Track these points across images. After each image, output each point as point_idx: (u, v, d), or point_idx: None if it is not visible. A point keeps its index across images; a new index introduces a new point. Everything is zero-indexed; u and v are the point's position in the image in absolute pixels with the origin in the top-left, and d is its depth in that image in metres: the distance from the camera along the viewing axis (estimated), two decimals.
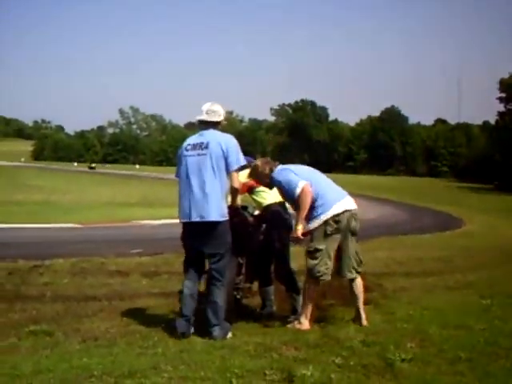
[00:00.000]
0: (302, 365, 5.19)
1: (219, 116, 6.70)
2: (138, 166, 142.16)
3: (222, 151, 6.40)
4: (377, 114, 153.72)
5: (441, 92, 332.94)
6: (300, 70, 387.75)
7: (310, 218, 6.82)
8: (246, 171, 7.23)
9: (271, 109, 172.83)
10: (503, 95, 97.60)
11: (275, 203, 7.45)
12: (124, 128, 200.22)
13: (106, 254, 12.79)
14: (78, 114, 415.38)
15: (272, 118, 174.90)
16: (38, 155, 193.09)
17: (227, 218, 6.52)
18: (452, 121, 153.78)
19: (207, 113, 6.66)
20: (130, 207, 32.30)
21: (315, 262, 6.79)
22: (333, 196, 6.93)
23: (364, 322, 6.98)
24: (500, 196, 69.78)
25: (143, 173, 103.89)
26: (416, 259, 14.47)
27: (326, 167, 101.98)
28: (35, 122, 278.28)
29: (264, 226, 7.51)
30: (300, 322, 6.85)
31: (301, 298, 7.17)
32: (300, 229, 6.77)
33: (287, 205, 7.45)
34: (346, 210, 6.89)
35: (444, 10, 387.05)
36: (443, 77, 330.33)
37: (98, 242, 16.55)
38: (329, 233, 6.78)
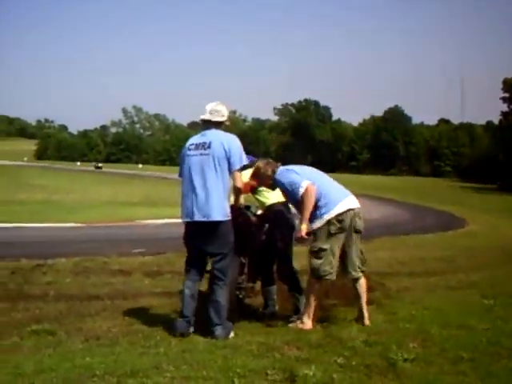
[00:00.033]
0: (304, 365, 5.18)
1: (222, 116, 6.70)
2: (140, 166, 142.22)
3: (225, 151, 6.40)
4: (380, 113, 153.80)
5: (444, 92, 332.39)
6: (300, 69, 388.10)
7: (313, 217, 6.81)
8: (250, 171, 7.24)
9: (274, 108, 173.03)
10: (507, 95, 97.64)
11: (278, 203, 7.46)
12: (127, 127, 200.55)
13: (108, 254, 12.81)
14: (81, 114, 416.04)
15: (275, 118, 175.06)
16: (41, 154, 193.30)
17: (230, 218, 6.52)
18: (455, 121, 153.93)
19: (211, 112, 6.66)
20: (133, 206, 32.34)
21: (320, 261, 6.79)
22: (336, 195, 6.93)
23: (367, 321, 6.97)
24: (503, 196, 69.70)
25: (146, 172, 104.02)
26: (418, 259, 14.46)
27: (329, 167, 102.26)
28: (38, 122, 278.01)
29: (267, 225, 7.51)
30: (302, 322, 6.85)
31: (303, 298, 7.17)
32: (304, 228, 6.75)
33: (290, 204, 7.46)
34: (350, 209, 6.88)
35: (444, 10, 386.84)
36: (446, 77, 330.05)
37: (101, 241, 16.56)
38: (332, 232, 6.77)
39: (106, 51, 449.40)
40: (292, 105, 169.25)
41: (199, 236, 6.49)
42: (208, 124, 6.67)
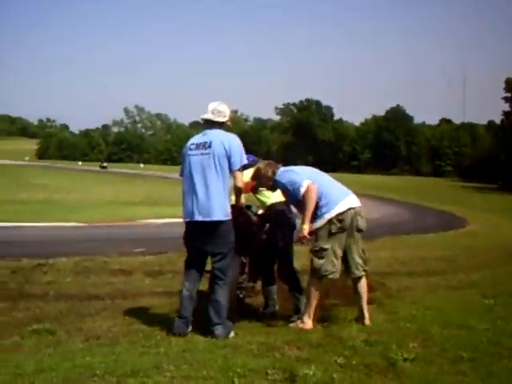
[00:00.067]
0: (304, 364, 5.18)
1: (224, 117, 6.70)
2: (142, 165, 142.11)
3: (225, 150, 6.40)
4: (382, 113, 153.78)
5: (445, 92, 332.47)
6: (301, 69, 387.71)
7: (314, 217, 6.80)
8: (251, 170, 7.24)
9: (276, 108, 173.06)
10: (509, 95, 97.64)
11: (279, 202, 7.46)
12: (129, 127, 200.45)
13: (109, 253, 12.82)
14: (83, 113, 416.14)
15: (277, 118, 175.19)
16: (42, 154, 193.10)
17: (230, 218, 6.52)
18: (457, 120, 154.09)
19: (212, 112, 6.66)
20: (135, 206, 32.33)
21: (321, 261, 6.79)
22: (336, 195, 6.92)
23: (367, 321, 6.97)
24: (504, 196, 69.69)
25: (147, 172, 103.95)
26: (419, 259, 14.45)
27: (330, 166, 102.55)
28: (40, 121, 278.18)
29: (268, 225, 7.51)
30: (303, 322, 6.85)
31: (304, 298, 7.17)
32: (307, 228, 6.75)
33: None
34: (350, 208, 6.87)
35: (444, 10, 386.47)
36: (448, 76, 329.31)
37: (102, 240, 16.54)
38: (333, 232, 6.77)
39: (106, 51, 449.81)
40: (294, 104, 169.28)
41: (199, 236, 6.50)
42: (209, 124, 6.68)
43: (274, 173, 7.10)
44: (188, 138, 6.96)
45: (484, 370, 5.23)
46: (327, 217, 6.77)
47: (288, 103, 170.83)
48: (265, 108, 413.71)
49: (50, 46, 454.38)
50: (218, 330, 6.33)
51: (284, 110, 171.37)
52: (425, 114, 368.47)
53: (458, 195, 68.52)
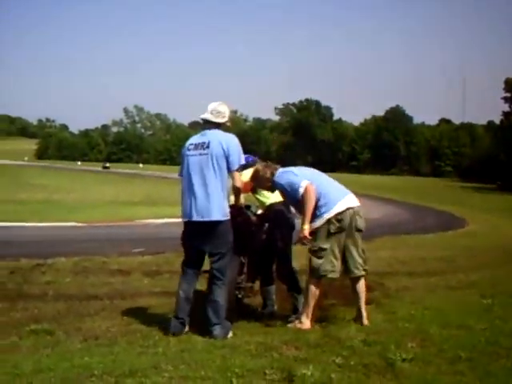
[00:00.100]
0: (302, 364, 5.19)
1: (223, 117, 6.69)
2: (141, 165, 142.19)
3: (223, 150, 6.40)
4: (381, 113, 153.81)
5: (445, 92, 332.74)
6: (300, 69, 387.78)
7: (313, 217, 6.80)
8: (250, 170, 7.25)
9: (275, 108, 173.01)
10: (508, 95, 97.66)
11: (278, 202, 7.46)
12: (128, 127, 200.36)
13: (108, 253, 12.82)
14: (82, 113, 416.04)
15: (276, 118, 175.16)
16: (41, 154, 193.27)
17: (229, 218, 6.52)
18: (456, 121, 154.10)
19: (212, 113, 6.66)
20: (134, 206, 32.36)
21: (320, 261, 6.79)
22: (335, 195, 6.93)
23: (365, 321, 6.97)
24: (503, 196, 69.75)
25: (147, 172, 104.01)
26: (419, 259, 14.46)
27: (330, 167, 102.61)
28: (39, 121, 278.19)
29: (267, 225, 7.51)
30: (301, 322, 6.85)
31: (302, 298, 7.18)
32: (307, 228, 6.75)
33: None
34: (349, 208, 6.88)
35: (444, 10, 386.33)
36: (447, 77, 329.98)
37: (101, 240, 16.54)
38: (332, 232, 6.78)
39: (106, 51, 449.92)
40: (293, 104, 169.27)
41: (198, 236, 6.50)
42: (208, 124, 6.68)
43: (272, 174, 7.10)
44: (187, 138, 6.95)
45: (482, 369, 5.24)
46: (326, 217, 6.77)
47: (287, 103, 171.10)
48: (264, 108, 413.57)
49: (50, 46, 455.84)
50: (217, 330, 6.33)
51: (283, 110, 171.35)
52: (424, 114, 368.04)
53: (458, 195, 68.55)
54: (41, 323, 6.77)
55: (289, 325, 6.95)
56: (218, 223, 6.42)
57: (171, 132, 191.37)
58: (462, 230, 26.86)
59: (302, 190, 6.74)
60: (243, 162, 6.63)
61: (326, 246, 6.77)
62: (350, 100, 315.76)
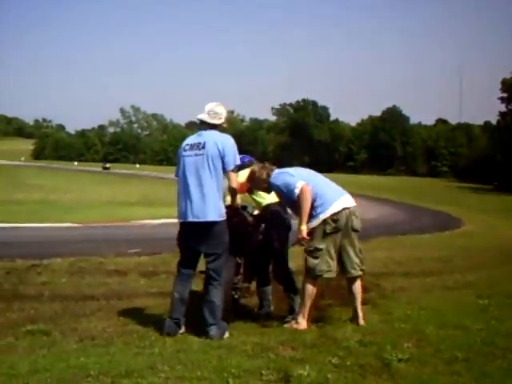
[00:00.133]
0: (298, 365, 5.19)
1: (219, 119, 6.69)
2: (138, 166, 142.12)
3: (219, 151, 6.40)
4: (378, 113, 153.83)
5: (442, 92, 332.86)
6: (300, 69, 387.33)
7: (309, 217, 6.81)
8: (247, 171, 7.26)
9: (272, 108, 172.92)
10: (505, 95, 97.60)
11: (274, 203, 7.46)
12: (125, 127, 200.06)
13: (104, 254, 12.80)
14: (79, 113, 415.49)
15: (273, 118, 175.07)
16: (38, 154, 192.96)
17: (224, 218, 6.53)
18: (453, 121, 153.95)
19: (208, 113, 6.66)
20: (130, 206, 32.35)
21: (316, 261, 6.80)
22: (331, 195, 6.94)
23: (361, 321, 6.98)
24: (499, 196, 69.85)
25: (143, 172, 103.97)
26: (415, 259, 14.47)
27: (326, 167, 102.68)
28: (36, 121, 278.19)
29: (263, 225, 7.52)
30: (297, 322, 6.86)
31: (298, 298, 7.18)
32: (305, 229, 6.75)
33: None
34: (345, 208, 6.89)
35: (444, 10, 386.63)
36: (444, 77, 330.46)
37: (98, 241, 16.54)
38: (328, 232, 6.78)
39: (106, 51, 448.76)
40: (290, 105, 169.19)
41: (193, 236, 6.51)
42: (205, 125, 6.68)
43: (268, 175, 7.11)
44: (184, 139, 6.96)
45: (478, 370, 5.25)
46: (322, 217, 6.78)
47: (284, 103, 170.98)
48: (262, 108, 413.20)
49: (50, 46, 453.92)
50: (213, 330, 6.34)
51: (280, 111, 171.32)
52: (421, 114, 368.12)
53: (454, 196, 68.63)
54: (37, 324, 6.77)
55: (285, 325, 6.96)
56: (213, 224, 6.42)
57: (168, 132, 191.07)
58: (459, 230, 26.93)
59: (297, 191, 6.75)
60: (238, 162, 6.63)
61: (321, 246, 6.78)
62: (346, 100, 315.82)
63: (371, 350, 5.79)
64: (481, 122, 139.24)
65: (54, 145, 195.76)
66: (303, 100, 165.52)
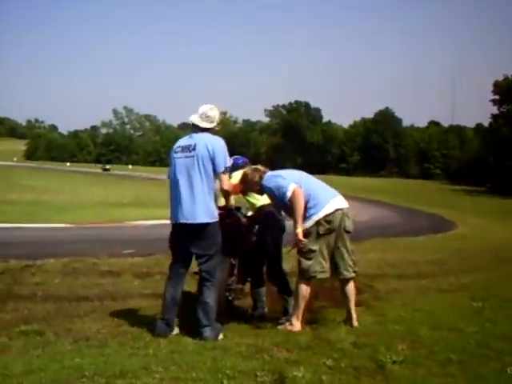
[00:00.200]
0: (293, 366, 5.20)
1: (211, 122, 6.69)
2: (130, 167, 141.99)
3: (209, 152, 6.40)
4: (371, 115, 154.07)
5: (434, 94, 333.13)
6: (300, 70, 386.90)
7: (302, 219, 6.82)
8: (241, 172, 7.26)
9: (265, 110, 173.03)
10: (497, 97, 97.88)
11: (268, 204, 7.46)
12: (117, 128, 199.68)
13: (98, 255, 12.76)
14: (72, 114, 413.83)
15: (266, 119, 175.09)
16: (30, 155, 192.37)
17: (216, 219, 6.53)
18: (445, 123, 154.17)
19: (201, 116, 6.66)
20: (123, 207, 32.33)
21: (309, 262, 6.81)
22: (324, 197, 6.95)
23: (355, 323, 6.99)
24: (493, 198, 70.10)
25: (136, 173, 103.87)
26: (409, 261, 14.49)
27: (319, 169, 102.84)
28: (28, 122, 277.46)
29: (257, 227, 7.52)
30: (291, 324, 6.86)
31: (292, 300, 7.18)
32: (300, 232, 6.76)
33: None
34: (338, 209, 6.91)
35: (444, 10, 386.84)
36: (437, 79, 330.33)
37: (91, 242, 16.51)
38: (321, 233, 6.80)
39: (106, 51, 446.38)
40: (283, 106, 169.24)
41: (185, 238, 6.51)
42: (197, 128, 6.68)
43: (261, 178, 7.12)
44: (177, 140, 6.96)
45: (472, 372, 5.26)
46: (315, 218, 6.80)
47: (277, 105, 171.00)
48: (254, 110, 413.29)
49: (50, 46, 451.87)
50: (207, 331, 6.33)
51: (273, 112, 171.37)
52: (413, 116, 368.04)
53: (447, 198, 68.76)
54: (31, 324, 6.75)
55: (279, 327, 6.97)
56: (203, 225, 6.42)
57: (161, 133, 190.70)
58: (452, 232, 26.98)
59: (289, 194, 6.76)
60: (229, 164, 6.63)
61: (315, 247, 6.79)
62: (339, 102, 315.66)
63: (365, 351, 5.80)
64: (473, 125, 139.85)
65: (47, 145, 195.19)
66: (296, 102, 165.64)
